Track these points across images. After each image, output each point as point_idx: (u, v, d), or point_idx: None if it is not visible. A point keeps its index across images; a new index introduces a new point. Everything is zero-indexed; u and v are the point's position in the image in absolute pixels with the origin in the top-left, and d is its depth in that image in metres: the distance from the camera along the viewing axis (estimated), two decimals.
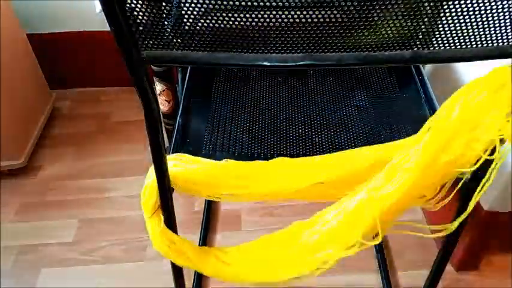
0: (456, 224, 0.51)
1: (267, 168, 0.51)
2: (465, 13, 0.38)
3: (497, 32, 0.40)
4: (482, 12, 0.38)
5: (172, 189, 0.54)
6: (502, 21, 0.39)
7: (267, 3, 0.36)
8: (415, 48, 0.41)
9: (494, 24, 0.39)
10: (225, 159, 0.51)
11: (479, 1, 0.37)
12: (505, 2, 0.37)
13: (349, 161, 0.50)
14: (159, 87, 0.93)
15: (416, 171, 0.44)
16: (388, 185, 0.46)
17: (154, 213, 0.52)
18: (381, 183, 0.46)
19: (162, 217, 0.53)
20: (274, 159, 0.52)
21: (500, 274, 0.93)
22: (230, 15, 0.37)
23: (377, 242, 0.47)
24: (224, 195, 0.52)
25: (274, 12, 0.37)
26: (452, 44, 0.41)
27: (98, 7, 0.40)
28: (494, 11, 0.38)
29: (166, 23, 0.39)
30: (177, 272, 0.65)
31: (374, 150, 0.50)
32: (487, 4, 0.37)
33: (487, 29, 0.39)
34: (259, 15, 0.37)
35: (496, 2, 0.37)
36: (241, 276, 0.56)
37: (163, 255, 0.55)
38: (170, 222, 0.54)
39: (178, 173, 0.51)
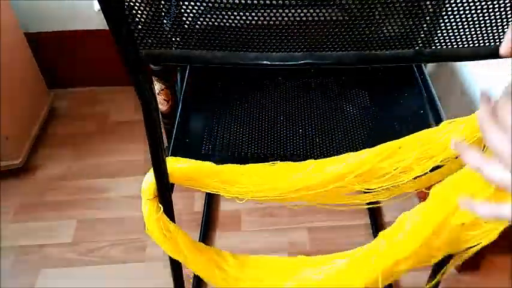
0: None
1: (264, 170, 0.51)
2: (467, 12, 0.38)
3: (500, 31, 0.40)
4: (485, 11, 0.38)
5: (172, 188, 0.54)
6: (504, 20, 0.38)
7: (267, 2, 0.35)
8: (417, 47, 0.40)
9: (496, 23, 0.39)
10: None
11: (481, 0, 0.37)
12: (506, 1, 0.37)
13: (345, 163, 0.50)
14: (157, 86, 0.93)
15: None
16: (400, 234, 0.46)
17: (154, 198, 0.51)
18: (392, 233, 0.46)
19: (161, 207, 0.52)
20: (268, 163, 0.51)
21: (500, 274, 0.93)
22: (230, 13, 0.37)
23: None
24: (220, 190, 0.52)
25: (274, 11, 0.36)
26: (454, 43, 0.41)
27: (97, 6, 0.40)
28: (496, 10, 0.38)
29: (165, 21, 0.39)
30: (177, 272, 0.65)
31: (373, 152, 0.49)
32: (489, 3, 0.37)
33: (489, 28, 0.39)
34: (259, 14, 0.37)
35: (498, 1, 0.37)
36: (231, 283, 0.56)
37: (156, 241, 0.54)
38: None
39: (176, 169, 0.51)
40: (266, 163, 0.50)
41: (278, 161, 0.50)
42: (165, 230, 0.53)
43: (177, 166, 0.50)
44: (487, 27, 0.39)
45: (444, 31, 0.39)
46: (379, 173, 0.48)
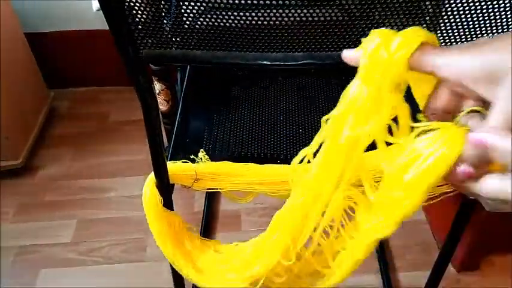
0: None
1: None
2: (467, 12, 0.38)
3: (499, 30, 0.40)
4: (484, 11, 0.38)
5: (172, 188, 0.54)
6: (503, 20, 0.39)
7: (267, 2, 0.35)
8: None
9: (496, 23, 0.39)
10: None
11: (481, 0, 0.37)
12: (506, 1, 0.37)
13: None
14: (157, 86, 0.93)
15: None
16: None
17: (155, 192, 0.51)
18: None
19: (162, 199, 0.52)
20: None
21: (500, 274, 0.93)
22: (230, 13, 0.37)
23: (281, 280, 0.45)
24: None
25: (274, 11, 0.36)
26: (454, 43, 0.41)
27: (96, 5, 0.40)
28: (496, 9, 0.38)
29: (165, 21, 0.39)
30: (177, 272, 0.65)
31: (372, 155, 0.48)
32: (488, 3, 0.37)
33: (488, 28, 0.39)
34: (259, 14, 0.37)
35: (498, 1, 0.37)
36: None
37: (155, 233, 0.53)
38: None
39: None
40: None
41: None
42: (166, 221, 0.52)
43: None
44: (486, 27, 0.39)
45: (444, 31, 0.40)
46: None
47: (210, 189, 0.53)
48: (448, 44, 0.41)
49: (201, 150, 0.54)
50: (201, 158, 0.54)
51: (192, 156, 0.55)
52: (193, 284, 0.90)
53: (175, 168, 0.52)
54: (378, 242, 0.36)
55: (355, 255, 0.39)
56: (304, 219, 0.39)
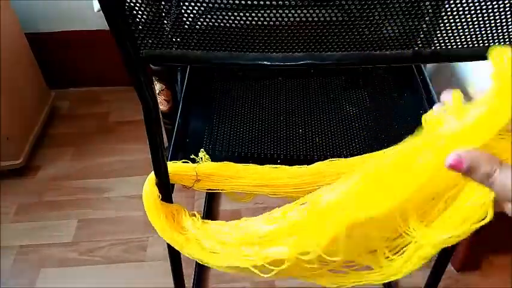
0: None
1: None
2: (466, 12, 0.38)
3: (499, 31, 0.40)
4: (484, 11, 0.38)
5: (172, 188, 0.54)
6: (503, 20, 0.39)
7: (267, 2, 0.35)
8: (417, 48, 0.41)
9: (495, 23, 0.39)
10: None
11: (480, 0, 0.37)
12: (506, 1, 0.37)
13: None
14: (158, 86, 0.93)
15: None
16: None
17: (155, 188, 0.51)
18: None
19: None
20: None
21: (500, 274, 0.93)
22: (230, 14, 0.37)
23: (336, 259, 0.39)
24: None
25: (274, 11, 0.36)
26: (453, 43, 0.41)
27: (97, 6, 0.40)
28: (495, 10, 0.38)
29: (165, 22, 0.39)
30: (177, 272, 0.65)
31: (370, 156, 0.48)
32: (488, 3, 0.37)
33: (488, 28, 0.39)
34: (259, 14, 0.37)
35: (498, 1, 0.37)
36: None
37: (157, 227, 0.52)
38: None
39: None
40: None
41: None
42: (167, 212, 0.51)
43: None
44: (486, 27, 0.39)
45: (443, 31, 0.40)
46: None
47: (210, 189, 0.53)
48: (448, 44, 0.41)
49: (202, 150, 0.55)
50: (202, 158, 0.54)
51: (192, 156, 0.55)
52: (193, 284, 0.91)
53: (176, 168, 0.52)
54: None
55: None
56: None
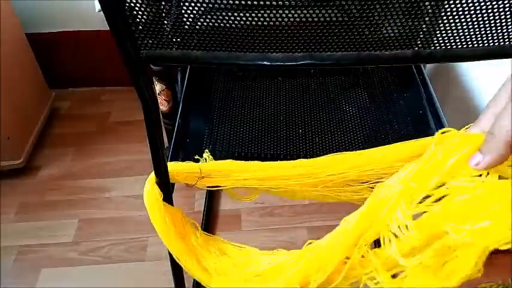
0: None
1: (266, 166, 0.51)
2: (466, 12, 0.38)
3: (498, 31, 0.40)
4: (484, 11, 0.38)
5: (173, 188, 0.54)
6: (503, 20, 0.39)
7: (267, 2, 0.35)
8: (416, 48, 0.41)
9: (495, 23, 0.39)
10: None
11: (480, 0, 0.37)
12: (506, 1, 0.37)
13: (344, 163, 0.49)
14: (158, 86, 0.93)
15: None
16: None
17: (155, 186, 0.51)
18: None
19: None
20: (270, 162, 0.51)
21: (500, 274, 0.93)
22: (230, 14, 0.37)
23: None
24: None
25: (274, 11, 0.37)
26: (453, 44, 0.41)
27: (97, 6, 0.40)
28: (495, 10, 0.38)
29: (165, 22, 0.39)
30: (177, 272, 0.65)
31: (370, 153, 0.49)
32: (488, 3, 0.37)
33: (488, 29, 0.39)
34: (259, 14, 0.37)
35: (497, 1, 0.37)
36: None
37: (158, 227, 0.52)
38: None
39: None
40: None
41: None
42: (168, 215, 0.51)
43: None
44: (486, 27, 0.39)
45: (443, 32, 0.40)
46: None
47: (211, 187, 0.53)
48: (448, 44, 0.41)
49: (206, 150, 0.54)
50: (206, 159, 0.54)
51: (196, 157, 0.55)
52: (193, 284, 0.91)
53: (179, 167, 0.52)
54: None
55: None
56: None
